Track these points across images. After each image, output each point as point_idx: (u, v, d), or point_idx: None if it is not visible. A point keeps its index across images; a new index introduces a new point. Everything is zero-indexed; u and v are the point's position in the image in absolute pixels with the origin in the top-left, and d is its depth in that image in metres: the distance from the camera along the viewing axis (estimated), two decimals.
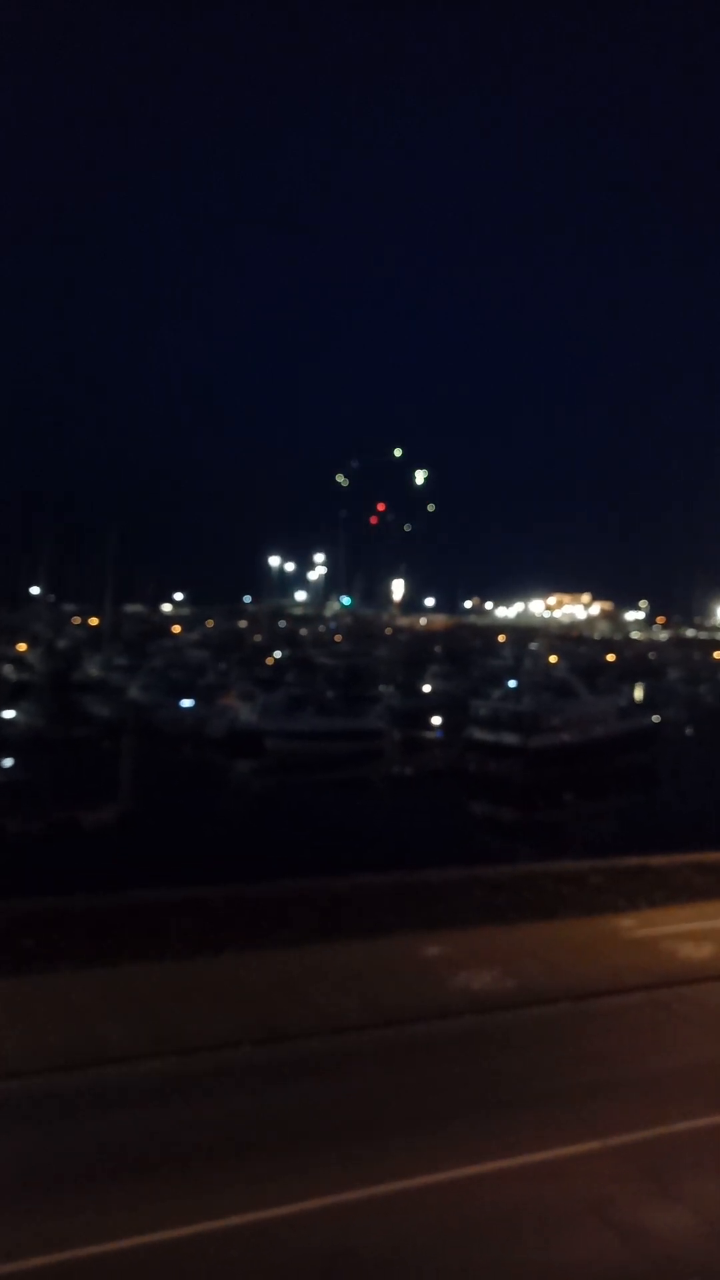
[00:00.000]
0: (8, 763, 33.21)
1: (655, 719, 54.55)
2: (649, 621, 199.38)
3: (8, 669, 64.12)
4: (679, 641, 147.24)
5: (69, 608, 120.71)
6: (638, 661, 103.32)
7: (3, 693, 49.83)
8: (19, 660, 70.63)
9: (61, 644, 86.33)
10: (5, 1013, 11.70)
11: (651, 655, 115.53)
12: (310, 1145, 9.08)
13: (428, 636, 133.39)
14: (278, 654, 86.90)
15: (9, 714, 46.45)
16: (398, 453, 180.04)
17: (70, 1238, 7.48)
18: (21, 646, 78.86)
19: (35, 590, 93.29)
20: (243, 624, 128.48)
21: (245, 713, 49.08)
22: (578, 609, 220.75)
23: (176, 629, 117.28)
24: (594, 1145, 9.21)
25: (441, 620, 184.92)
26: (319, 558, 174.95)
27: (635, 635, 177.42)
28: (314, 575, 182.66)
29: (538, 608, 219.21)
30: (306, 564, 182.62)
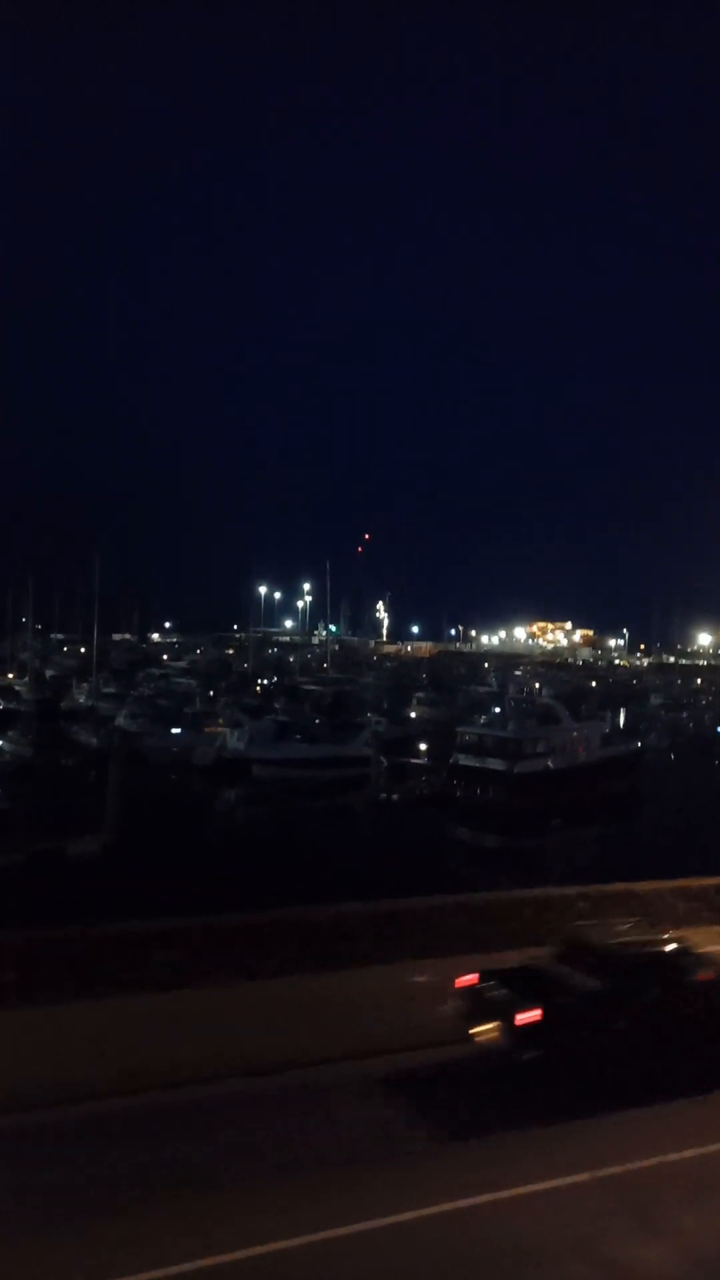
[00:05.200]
0: None
1: (638, 744, 54.85)
2: (631, 648, 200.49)
3: None
4: (660, 667, 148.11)
5: (57, 636, 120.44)
6: (620, 687, 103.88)
7: None
8: (7, 689, 70.48)
9: (49, 673, 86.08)
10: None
11: (634, 681, 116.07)
12: (295, 1180, 9.00)
13: (413, 664, 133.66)
14: (265, 682, 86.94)
15: None
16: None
17: None
18: (9, 675, 78.66)
19: (23, 619, 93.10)
20: (230, 652, 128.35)
21: (232, 740, 49.07)
22: (560, 635, 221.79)
23: (165, 657, 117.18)
24: (581, 1177, 9.17)
25: (427, 647, 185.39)
26: (306, 586, 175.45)
27: (617, 661, 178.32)
28: (301, 603, 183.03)
29: (521, 635, 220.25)
30: (294, 592, 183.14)
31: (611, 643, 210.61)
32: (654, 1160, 9.63)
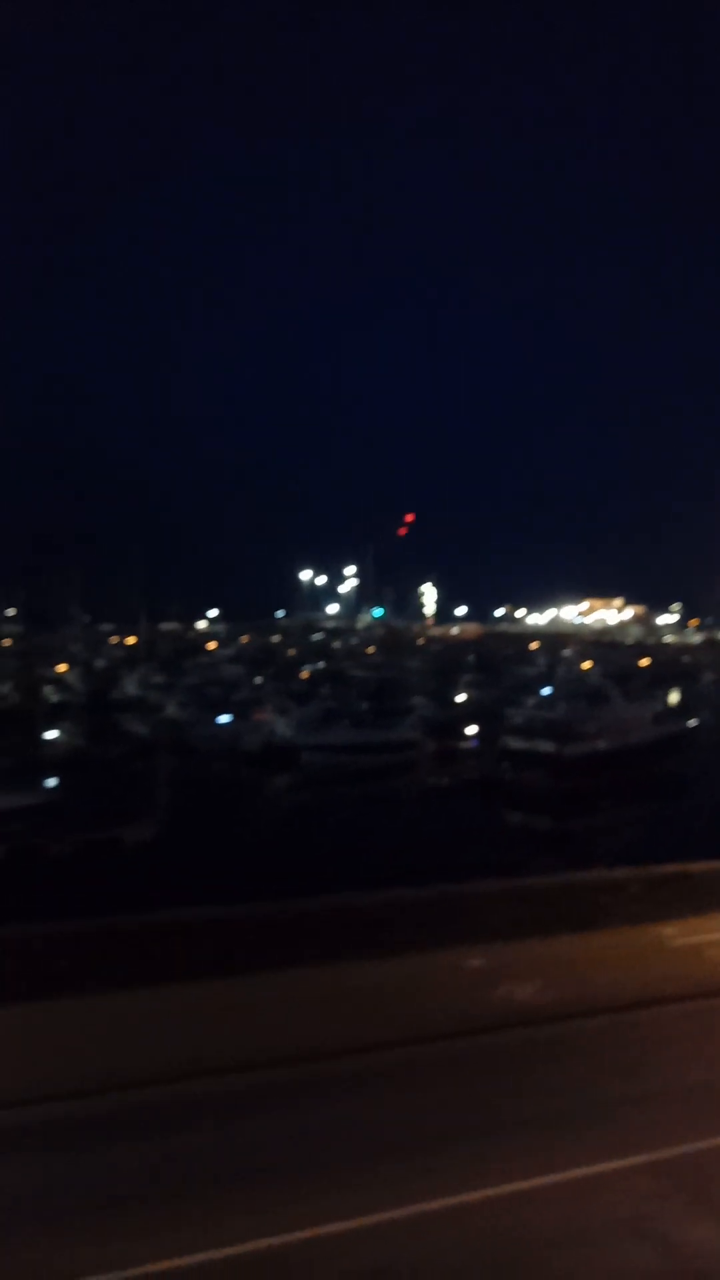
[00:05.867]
0: (50, 782, 33.69)
1: (691, 723, 53.98)
2: (682, 625, 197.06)
3: (48, 690, 65.21)
4: (713, 644, 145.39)
5: (105, 628, 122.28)
6: (672, 666, 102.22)
7: (44, 713, 50.68)
8: (59, 681, 71.82)
9: (99, 664, 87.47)
10: (41, 1036, 11.82)
11: (685, 659, 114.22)
12: (348, 1165, 9.05)
13: (460, 646, 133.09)
14: (311, 668, 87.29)
15: (50, 734, 47.22)
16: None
17: (84, 1269, 7.44)
18: (61, 667, 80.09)
19: (72, 612, 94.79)
20: (276, 639, 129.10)
21: (280, 727, 49.38)
22: (610, 614, 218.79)
23: (211, 646, 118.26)
24: (638, 1160, 9.08)
25: (473, 629, 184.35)
26: (349, 570, 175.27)
27: (668, 639, 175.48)
28: (345, 588, 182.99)
29: (570, 614, 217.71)
30: (337, 577, 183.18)
31: (662, 619, 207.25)
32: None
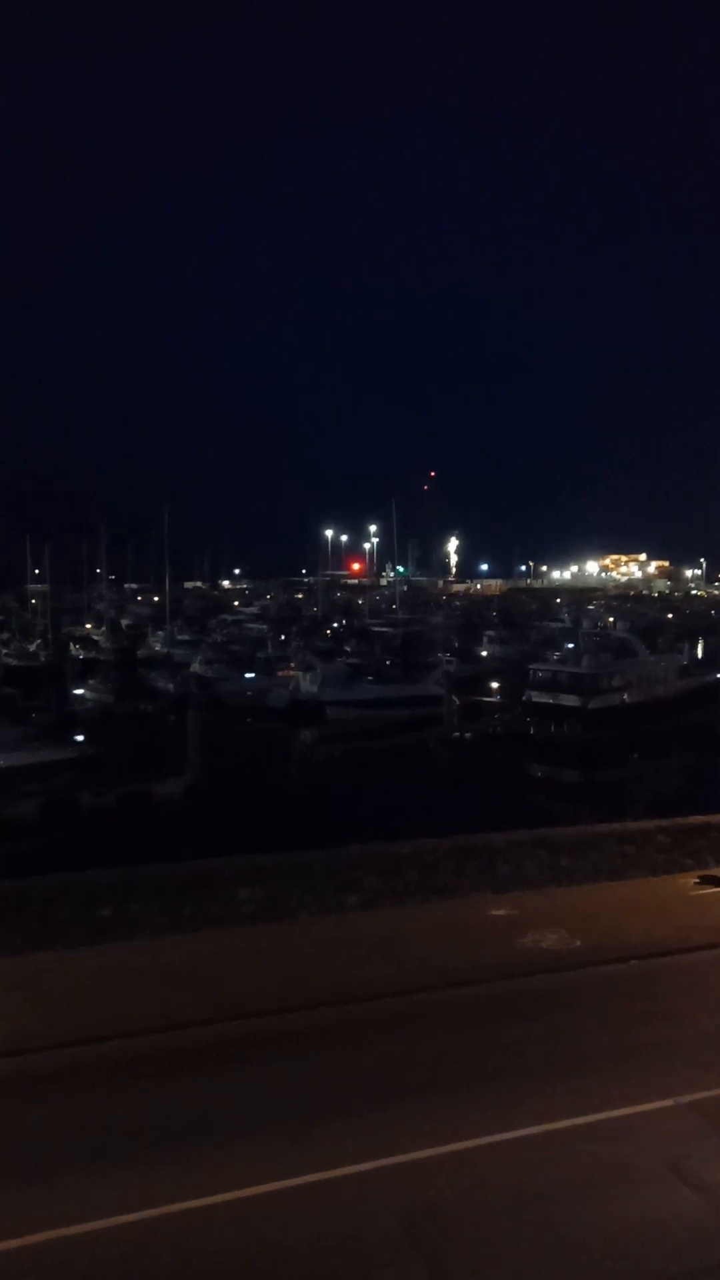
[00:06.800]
0: (80, 738, 34.29)
1: (717, 676, 53.74)
2: (708, 578, 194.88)
3: (76, 648, 66.02)
4: None
5: (131, 586, 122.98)
6: (698, 619, 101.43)
7: (73, 671, 51.42)
8: (86, 639, 72.65)
9: (126, 622, 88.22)
10: (89, 980, 12.16)
11: (712, 612, 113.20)
12: (383, 1105, 9.20)
13: (483, 602, 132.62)
14: (335, 625, 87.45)
15: (79, 691, 47.94)
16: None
17: (108, 1205, 7.53)
18: (88, 626, 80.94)
19: (98, 570, 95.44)
20: (300, 596, 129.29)
21: (305, 683, 49.70)
22: (635, 568, 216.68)
23: (236, 604, 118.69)
24: (667, 1103, 9.16)
25: (497, 585, 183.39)
26: (373, 528, 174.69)
27: (695, 592, 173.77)
28: (368, 545, 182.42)
29: (594, 568, 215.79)
30: (360, 534, 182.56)
31: (688, 573, 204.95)
32: None
